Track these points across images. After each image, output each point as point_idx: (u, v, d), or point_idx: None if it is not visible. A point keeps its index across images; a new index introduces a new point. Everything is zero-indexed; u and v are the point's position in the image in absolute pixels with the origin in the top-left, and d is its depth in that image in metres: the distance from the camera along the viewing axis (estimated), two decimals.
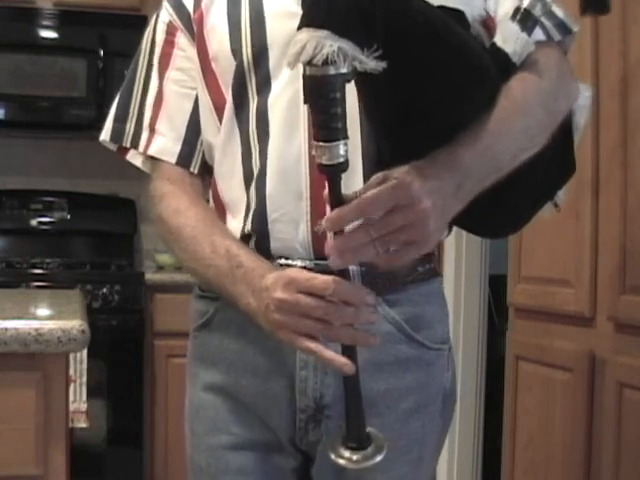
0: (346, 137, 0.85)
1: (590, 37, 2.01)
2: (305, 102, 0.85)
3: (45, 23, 3.25)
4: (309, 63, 0.81)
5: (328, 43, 0.81)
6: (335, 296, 0.91)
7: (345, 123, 0.85)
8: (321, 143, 0.85)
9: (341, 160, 0.86)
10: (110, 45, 3.19)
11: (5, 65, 3.17)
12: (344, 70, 0.82)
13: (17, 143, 3.54)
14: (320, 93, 0.83)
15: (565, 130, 1.08)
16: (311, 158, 1.03)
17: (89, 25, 3.25)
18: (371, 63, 0.83)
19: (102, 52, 3.21)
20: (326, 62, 0.81)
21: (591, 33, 2.01)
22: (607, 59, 1.98)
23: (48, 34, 3.27)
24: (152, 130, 1.18)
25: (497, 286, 3.00)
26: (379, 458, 0.95)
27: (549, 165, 1.06)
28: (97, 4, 3.27)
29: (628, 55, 1.91)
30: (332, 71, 0.81)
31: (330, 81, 0.82)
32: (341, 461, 0.95)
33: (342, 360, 0.92)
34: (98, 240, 3.56)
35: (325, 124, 0.84)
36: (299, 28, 0.84)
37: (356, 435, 0.96)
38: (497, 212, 1.06)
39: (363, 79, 0.86)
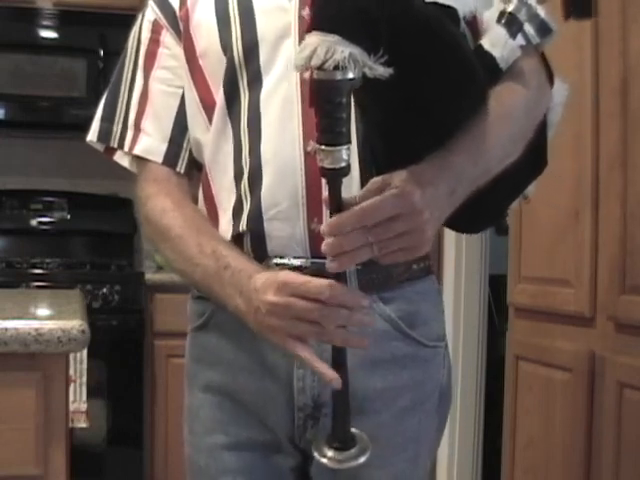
0: (349, 142, 0.86)
1: (590, 37, 2.01)
2: (311, 105, 0.86)
3: (45, 23, 3.25)
4: (319, 68, 0.81)
5: (340, 49, 0.81)
6: (330, 300, 0.91)
7: (349, 128, 0.85)
8: (324, 147, 0.85)
9: (343, 164, 0.86)
10: (110, 45, 3.19)
11: (5, 65, 3.17)
12: (352, 75, 0.82)
13: (17, 143, 3.54)
14: (327, 98, 0.83)
15: (539, 128, 1.10)
16: (306, 155, 1.04)
17: (89, 25, 3.25)
18: (380, 69, 0.83)
19: (102, 52, 3.21)
20: (336, 67, 0.81)
21: (591, 33, 2.01)
22: (607, 59, 1.98)
23: (48, 34, 3.27)
24: (137, 129, 1.17)
25: (497, 286, 3.00)
26: (362, 459, 0.95)
27: (525, 162, 1.08)
28: (97, 4, 3.27)
29: (628, 55, 1.91)
30: (340, 76, 0.82)
31: (338, 86, 0.82)
32: (324, 460, 0.96)
33: (331, 375, 0.93)
34: (98, 240, 3.56)
35: (330, 128, 0.84)
36: (308, 31, 0.84)
37: (341, 435, 0.97)
38: (478, 211, 1.06)
39: (368, 84, 0.86)
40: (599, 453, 1.96)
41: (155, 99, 1.16)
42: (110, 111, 1.20)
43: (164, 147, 1.16)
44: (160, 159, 1.16)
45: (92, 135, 1.21)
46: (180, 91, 1.16)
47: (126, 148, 1.18)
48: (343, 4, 0.84)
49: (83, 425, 2.61)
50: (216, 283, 1.03)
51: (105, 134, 1.19)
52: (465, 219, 1.05)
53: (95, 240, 3.57)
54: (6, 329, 1.20)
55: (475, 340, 3.03)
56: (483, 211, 1.10)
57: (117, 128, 1.18)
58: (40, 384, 1.23)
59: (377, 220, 0.87)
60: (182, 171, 1.17)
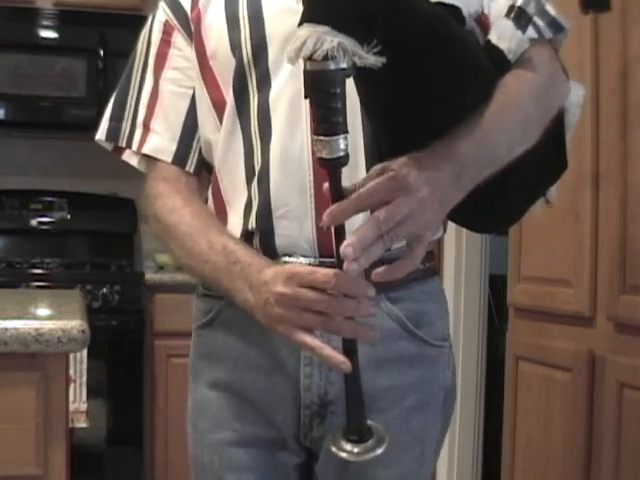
0: (346, 131, 0.86)
1: (590, 36, 2.01)
2: (306, 97, 0.86)
3: (45, 23, 3.25)
4: (310, 58, 0.82)
5: (328, 39, 0.81)
6: (336, 289, 0.91)
7: (345, 118, 0.85)
8: (321, 137, 0.86)
9: (341, 154, 0.86)
10: (110, 45, 3.19)
11: (5, 65, 3.17)
12: (344, 65, 0.83)
13: (17, 143, 3.54)
14: (320, 88, 0.84)
15: (557, 127, 1.09)
16: (314, 154, 1.04)
17: (89, 25, 3.25)
18: (371, 58, 0.83)
19: (102, 52, 3.21)
20: (326, 57, 0.81)
21: (591, 32, 2.01)
22: (607, 59, 1.98)
23: (48, 34, 3.27)
24: (146, 128, 1.18)
25: (497, 286, 3.00)
26: (380, 451, 0.95)
27: (542, 162, 1.07)
28: (97, 4, 3.27)
29: (628, 55, 1.91)
30: (332, 66, 0.82)
31: (330, 76, 0.83)
32: (342, 454, 0.96)
33: (340, 358, 0.92)
34: (98, 240, 3.56)
35: (325, 118, 0.85)
36: (300, 24, 0.84)
37: (357, 428, 0.97)
38: (490, 207, 1.07)
39: (362, 74, 0.86)
40: (599, 453, 1.96)
41: (165, 99, 1.18)
42: (119, 110, 1.21)
43: (173, 146, 1.17)
44: (169, 158, 1.17)
45: (100, 134, 1.22)
46: (190, 92, 1.17)
47: (134, 147, 1.19)
48: None
49: (83, 425, 2.60)
50: (225, 277, 1.04)
51: (113, 133, 1.20)
52: (475, 215, 1.05)
53: (95, 240, 3.57)
54: (6, 329, 1.20)
55: (475, 340, 3.03)
56: (496, 209, 1.10)
57: (126, 127, 1.19)
58: (40, 384, 1.24)
59: (375, 202, 0.87)
60: (191, 170, 1.18)
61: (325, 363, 0.99)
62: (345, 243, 0.87)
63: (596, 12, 1.06)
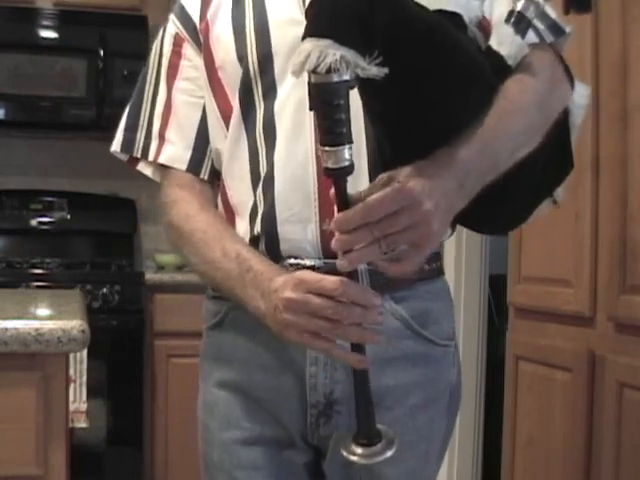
0: (351, 141, 0.88)
1: (590, 36, 2.02)
2: (310, 109, 0.88)
3: (45, 23, 3.25)
4: (313, 71, 0.84)
5: (331, 52, 0.83)
6: (344, 297, 0.94)
7: (350, 128, 0.87)
8: (327, 148, 0.87)
9: (346, 164, 0.88)
10: (110, 45, 3.19)
11: (5, 65, 3.17)
12: (347, 77, 0.85)
13: (17, 143, 3.54)
14: (325, 100, 0.86)
15: (562, 129, 1.10)
16: (318, 160, 1.06)
17: (89, 25, 3.25)
18: (373, 70, 0.85)
19: (102, 52, 3.20)
20: (329, 70, 0.83)
21: (591, 32, 2.01)
22: (607, 58, 1.98)
23: (48, 34, 3.27)
24: (162, 138, 1.20)
25: (497, 286, 3.00)
26: (389, 454, 0.98)
27: (547, 163, 1.09)
28: (97, 4, 3.27)
29: (628, 55, 1.91)
30: (335, 78, 0.84)
31: (334, 88, 0.85)
32: (353, 457, 0.98)
33: (355, 356, 0.96)
34: (98, 240, 3.56)
35: (330, 129, 0.86)
36: (303, 38, 0.86)
37: (366, 432, 0.99)
38: (496, 209, 1.08)
39: (364, 84, 0.88)
40: (599, 453, 1.96)
41: (178, 109, 1.20)
42: (133, 122, 1.23)
43: (188, 155, 1.19)
44: (184, 166, 1.19)
45: (116, 146, 1.24)
46: (202, 101, 1.19)
47: (150, 157, 1.21)
48: (336, 11, 0.87)
49: (83, 425, 2.60)
50: (238, 285, 1.06)
51: (128, 144, 1.22)
52: (481, 217, 1.06)
53: (95, 240, 3.57)
54: (6, 329, 1.20)
55: (475, 340, 3.03)
56: (501, 211, 1.11)
57: (140, 139, 1.21)
58: (40, 384, 1.24)
59: (381, 214, 0.89)
60: (205, 178, 1.20)
61: (339, 362, 1.02)
62: (335, 238, 0.90)
63: (577, 13, 1.06)
